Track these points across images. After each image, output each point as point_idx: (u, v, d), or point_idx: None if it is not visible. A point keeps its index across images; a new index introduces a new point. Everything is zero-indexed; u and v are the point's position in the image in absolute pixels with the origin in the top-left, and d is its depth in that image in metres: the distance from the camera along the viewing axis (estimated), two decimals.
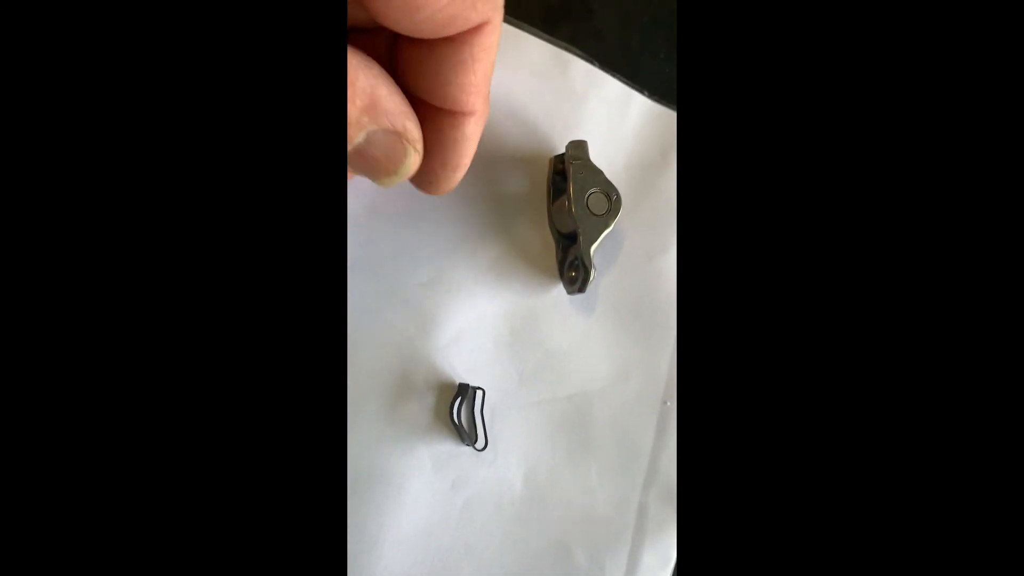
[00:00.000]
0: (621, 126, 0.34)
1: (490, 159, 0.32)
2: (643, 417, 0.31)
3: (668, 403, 0.32)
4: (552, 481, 0.30)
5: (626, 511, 0.30)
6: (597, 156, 0.32)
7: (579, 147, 0.31)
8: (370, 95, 0.21)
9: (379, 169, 0.23)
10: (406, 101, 0.22)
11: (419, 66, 0.23)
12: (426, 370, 0.30)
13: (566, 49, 0.34)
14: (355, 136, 0.21)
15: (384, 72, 0.21)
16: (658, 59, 0.35)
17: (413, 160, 0.23)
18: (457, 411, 0.29)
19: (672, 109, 0.34)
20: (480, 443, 0.29)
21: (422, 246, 0.31)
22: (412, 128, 0.22)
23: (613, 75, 0.34)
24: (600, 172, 0.30)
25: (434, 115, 0.24)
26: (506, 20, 0.33)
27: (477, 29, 0.22)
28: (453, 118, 0.24)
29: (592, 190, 0.30)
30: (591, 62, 0.34)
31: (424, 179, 0.26)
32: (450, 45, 0.22)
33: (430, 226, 0.31)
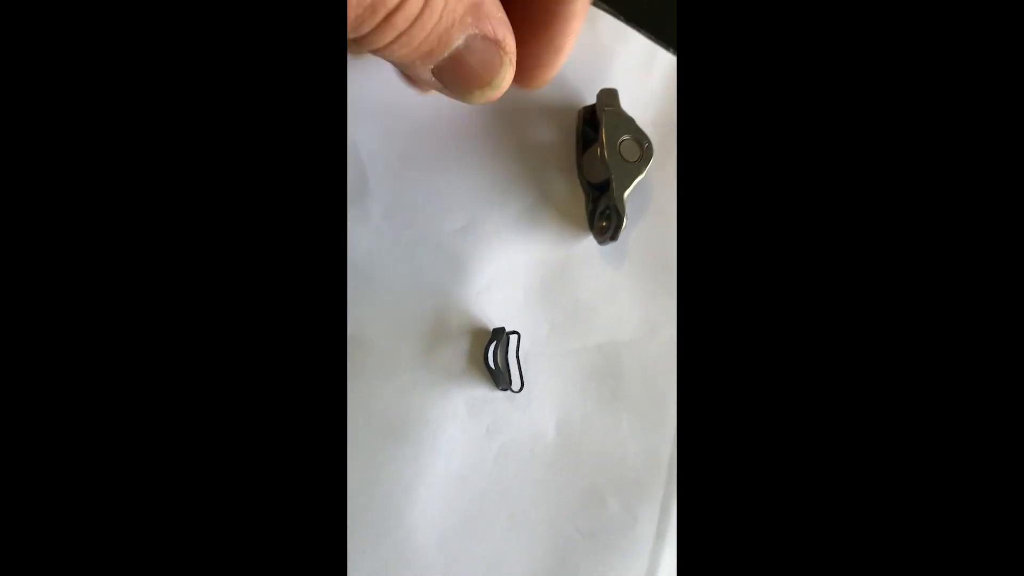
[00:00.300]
0: (647, 81, 0.34)
1: (519, 110, 0.32)
2: (672, 370, 0.31)
3: None
4: (584, 429, 0.30)
5: (657, 462, 0.30)
6: (626, 109, 0.32)
7: (610, 95, 0.31)
8: None
9: (473, 80, 0.22)
10: (503, 11, 0.21)
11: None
12: (460, 316, 0.30)
13: (593, 3, 0.34)
14: (455, 38, 0.20)
15: None
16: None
17: (508, 73, 0.22)
18: (493, 355, 0.29)
19: None
20: (516, 385, 0.29)
21: (455, 193, 0.31)
22: (510, 40, 0.21)
23: (639, 30, 0.34)
24: (631, 120, 0.30)
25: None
26: None
27: None
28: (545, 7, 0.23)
29: (624, 137, 0.30)
30: (618, 17, 0.34)
31: (526, 65, 0.24)
32: None
33: (462, 174, 0.31)
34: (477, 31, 0.20)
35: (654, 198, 0.33)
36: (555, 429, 0.30)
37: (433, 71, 0.21)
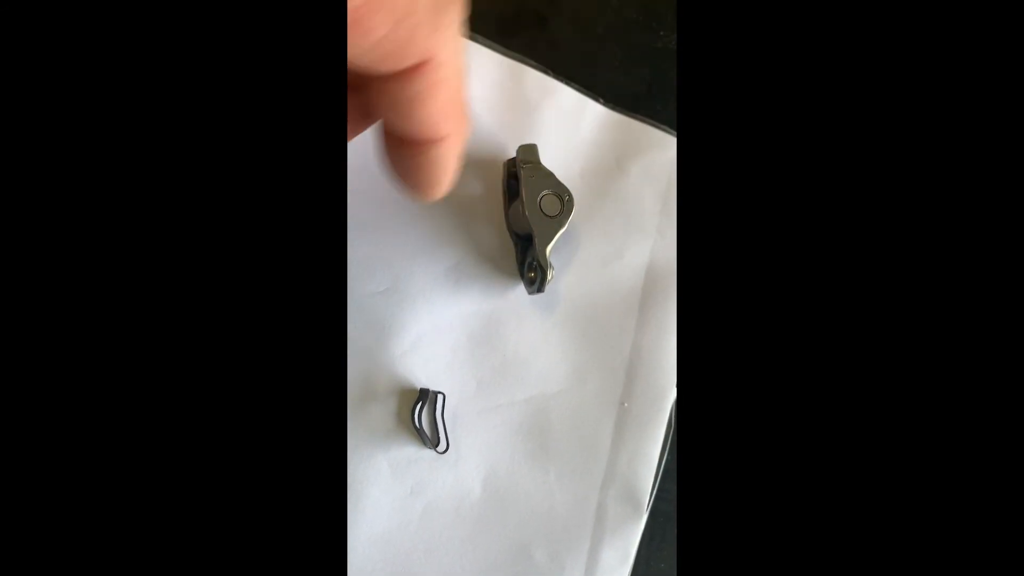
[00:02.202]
0: (576, 133, 0.35)
1: None
2: (601, 418, 0.32)
3: (625, 404, 0.32)
4: (511, 484, 0.30)
5: (585, 511, 0.31)
6: (552, 163, 0.33)
7: (529, 151, 0.31)
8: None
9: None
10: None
11: (384, 101, 0.22)
12: (386, 377, 0.30)
13: (520, 60, 0.34)
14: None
15: None
16: (613, 67, 0.36)
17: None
18: (418, 416, 0.29)
19: (626, 115, 0.35)
20: (442, 446, 0.29)
21: (378, 255, 0.31)
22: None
23: (568, 83, 0.35)
24: (551, 174, 0.31)
25: (408, 143, 0.24)
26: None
27: (424, 65, 0.21)
28: (425, 145, 0.24)
29: (544, 192, 0.30)
30: (545, 72, 0.35)
31: (411, 193, 0.26)
32: (400, 80, 0.22)
33: (386, 234, 0.31)
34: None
35: (582, 247, 0.33)
36: (481, 485, 0.30)
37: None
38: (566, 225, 0.30)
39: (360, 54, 0.20)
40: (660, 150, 0.35)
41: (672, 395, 0.32)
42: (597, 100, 0.35)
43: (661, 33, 0.37)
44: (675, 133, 0.35)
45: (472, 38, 0.34)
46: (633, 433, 0.32)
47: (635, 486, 0.31)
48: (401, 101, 0.22)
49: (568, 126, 0.35)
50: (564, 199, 0.31)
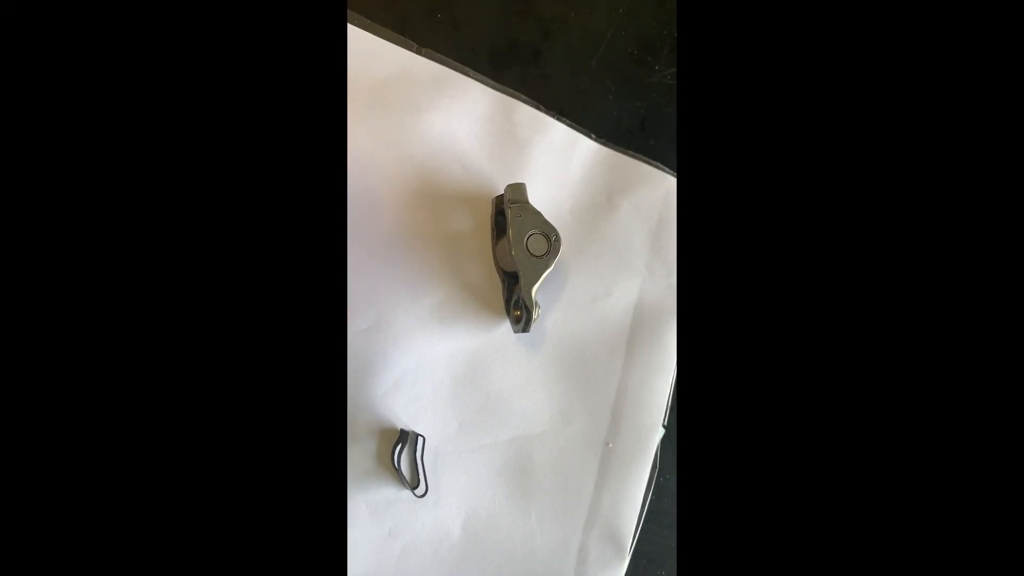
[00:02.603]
0: (566, 169, 0.34)
1: (434, 201, 0.32)
2: (585, 459, 0.32)
3: (610, 444, 0.32)
4: (492, 526, 0.30)
5: (567, 553, 0.30)
6: (542, 199, 0.32)
7: (517, 190, 0.31)
8: None
9: None
10: None
11: None
12: (367, 416, 0.30)
13: (511, 95, 0.34)
14: None
15: None
16: (606, 101, 0.36)
17: None
18: (398, 457, 0.29)
19: (618, 151, 0.35)
20: (421, 489, 0.29)
21: (361, 292, 0.31)
22: None
23: (559, 119, 0.35)
24: (539, 214, 0.30)
25: None
26: (452, 66, 0.34)
27: None
28: None
29: (531, 232, 0.30)
30: (536, 107, 0.34)
31: None
32: None
33: (370, 270, 0.31)
34: None
35: (569, 285, 0.33)
36: (461, 527, 0.30)
37: None
38: (552, 265, 0.30)
39: None
40: (651, 187, 0.34)
41: (657, 435, 0.32)
42: (588, 135, 0.35)
43: (656, 67, 0.36)
44: (667, 169, 0.35)
45: (464, 71, 0.34)
46: (617, 474, 0.32)
47: (618, 527, 0.31)
48: None
49: (559, 162, 0.34)
50: (551, 239, 0.30)
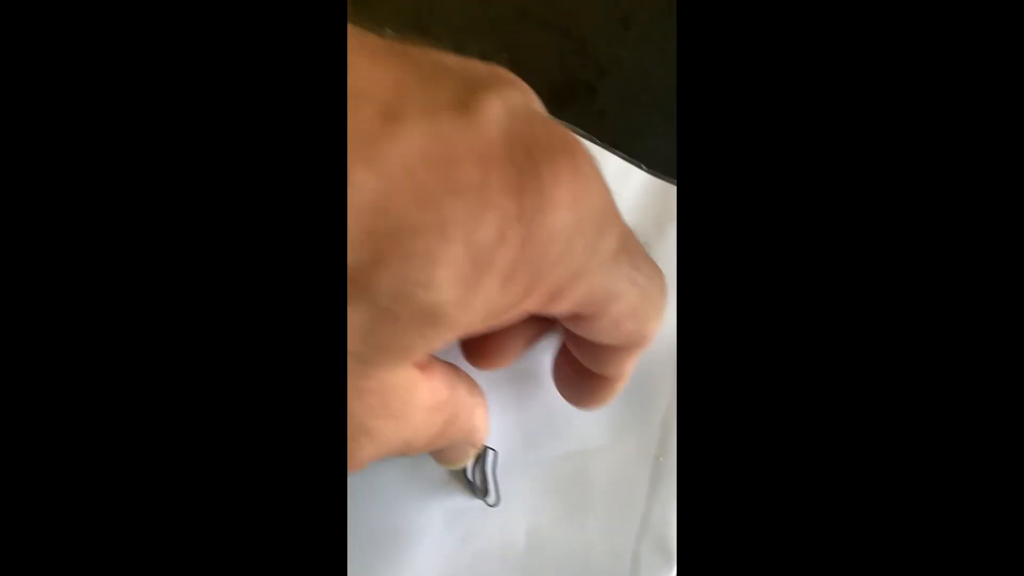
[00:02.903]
0: (620, 200, 0.36)
1: None
2: (638, 472, 0.34)
3: (661, 458, 0.34)
4: (553, 535, 0.32)
5: (621, 561, 0.33)
6: None
7: None
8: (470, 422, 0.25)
9: (442, 459, 0.29)
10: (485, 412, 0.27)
11: (583, 349, 0.27)
12: None
13: (569, 128, 0.37)
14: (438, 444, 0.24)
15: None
16: (657, 134, 0.38)
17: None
18: (472, 469, 0.31)
19: (668, 181, 0.37)
20: (492, 498, 0.32)
21: None
22: (479, 439, 0.27)
23: (613, 151, 0.37)
24: None
25: (587, 375, 0.28)
26: None
27: (644, 338, 0.25)
28: (602, 381, 0.28)
29: None
30: (592, 140, 0.37)
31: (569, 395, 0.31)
32: (618, 349, 0.25)
33: None
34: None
35: None
36: (525, 536, 0.32)
37: None
38: None
39: (612, 338, 0.24)
40: None
41: None
42: (640, 167, 0.37)
43: None
44: None
45: None
46: (667, 486, 0.34)
47: (667, 536, 0.33)
48: (613, 357, 0.26)
49: (613, 191, 0.37)
50: None
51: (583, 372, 0.28)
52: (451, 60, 0.20)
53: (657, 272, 0.24)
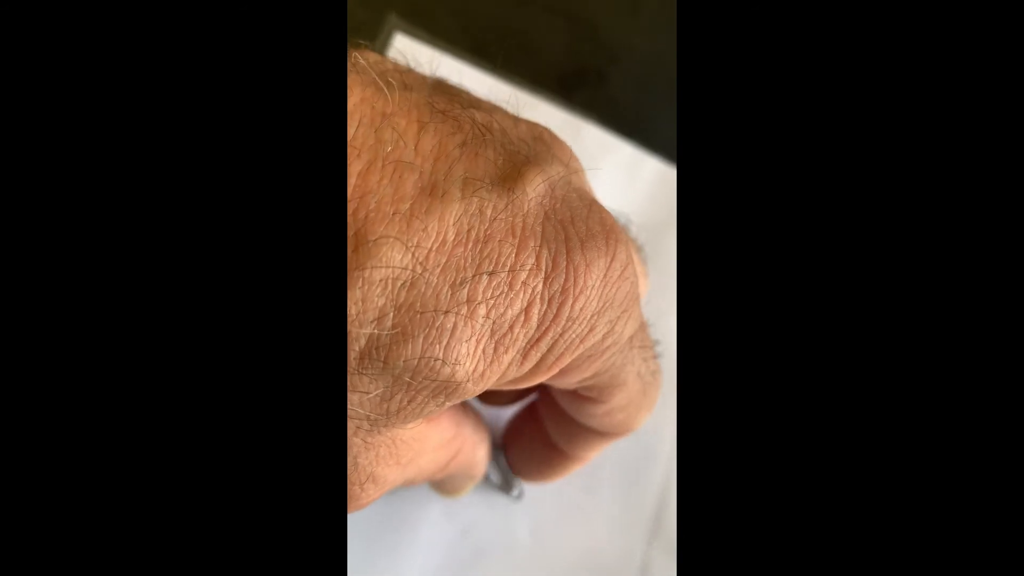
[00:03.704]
0: (632, 188, 0.35)
1: None
2: (648, 472, 0.32)
3: (674, 458, 0.32)
4: (557, 532, 0.31)
5: (630, 563, 0.31)
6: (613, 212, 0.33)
7: None
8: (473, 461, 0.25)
9: (440, 490, 0.29)
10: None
11: (558, 422, 0.26)
12: None
13: (579, 115, 0.36)
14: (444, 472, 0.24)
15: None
16: (670, 123, 0.37)
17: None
18: (490, 470, 0.30)
19: None
20: (516, 492, 0.31)
21: None
22: (479, 471, 0.27)
23: (625, 139, 0.36)
24: None
25: (548, 448, 0.27)
26: (521, 86, 0.35)
27: (623, 432, 0.25)
28: (562, 457, 0.27)
29: None
30: (603, 127, 0.36)
31: (521, 469, 0.30)
32: (595, 432, 0.25)
33: None
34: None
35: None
36: (529, 533, 0.31)
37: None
38: None
39: (609, 424, 0.24)
40: None
41: None
42: (653, 155, 0.36)
43: None
44: None
45: (533, 92, 0.35)
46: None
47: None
48: (592, 440, 0.26)
49: (625, 181, 0.35)
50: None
51: (548, 445, 0.27)
52: (497, 120, 0.19)
53: (659, 368, 0.24)
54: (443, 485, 0.28)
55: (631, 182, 0.36)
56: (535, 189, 0.18)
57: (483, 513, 0.30)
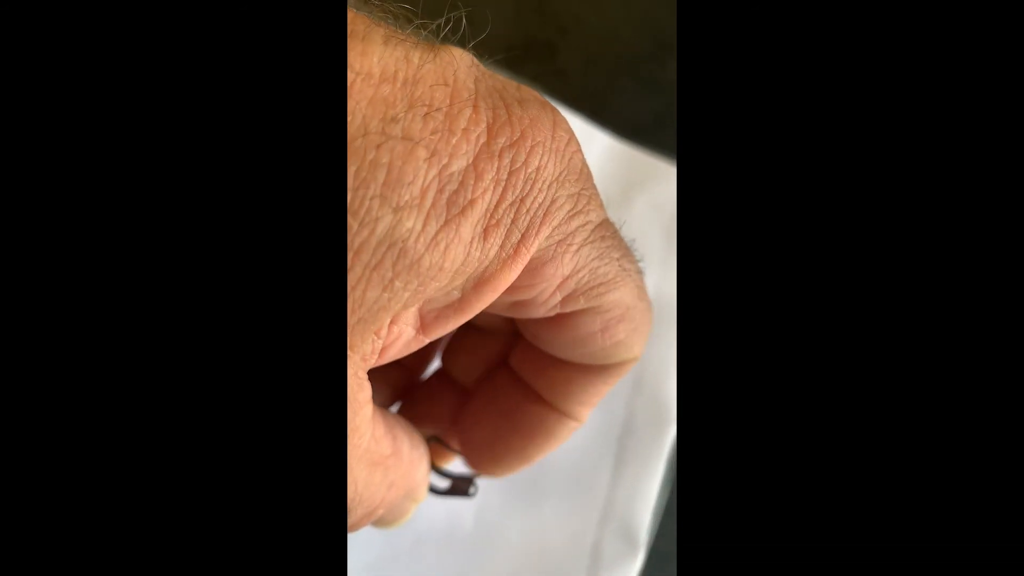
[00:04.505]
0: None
1: None
2: (600, 454, 0.31)
3: (624, 439, 0.32)
4: (503, 518, 0.30)
5: (580, 549, 0.30)
6: None
7: None
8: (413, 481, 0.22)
9: (379, 522, 0.24)
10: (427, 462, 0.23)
11: (547, 372, 0.23)
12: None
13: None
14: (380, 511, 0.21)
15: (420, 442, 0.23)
16: (622, 98, 0.36)
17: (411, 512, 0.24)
18: (439, 477, 0.28)
19: (633, 147, 0.35)
20: (474, 489, 0.27)
21: None
22: (422, 492, 0.23)
23: (575, 113, 0.35)
24: None
25: (539, 406, 0.23)
26: None
27: (624, 363, 0.22)
28: (557, 417, 0.24)
29: None
30: (553, 100, 0.35)
31: (487, 458, 0.25)
32: (594, 371, 0.22)
33: None
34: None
35: None
36: (473, 519, 0.30)
37: None
38: None
39: (590, 352, 0.21)
40: (667, 182, 0.34)
41: (672, 430, 0.32)
42: (604, 131, 0.35)
43: (672, 65, 0.36)
44: None
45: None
46: (633, 469, 0.31)
47: (633, 523, 0.31)
48: (583, 383, 0.23)
49: None
50: None
51: (531, 400, 0.23)
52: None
53: (642, 272, 0.21)
54: (383, 519, 0.24)
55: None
56: (461, 56, 0.17)
57: (425, 501, 0.29)
